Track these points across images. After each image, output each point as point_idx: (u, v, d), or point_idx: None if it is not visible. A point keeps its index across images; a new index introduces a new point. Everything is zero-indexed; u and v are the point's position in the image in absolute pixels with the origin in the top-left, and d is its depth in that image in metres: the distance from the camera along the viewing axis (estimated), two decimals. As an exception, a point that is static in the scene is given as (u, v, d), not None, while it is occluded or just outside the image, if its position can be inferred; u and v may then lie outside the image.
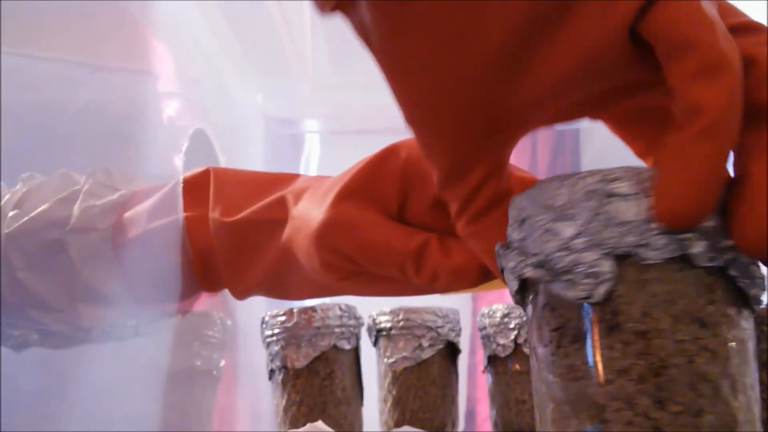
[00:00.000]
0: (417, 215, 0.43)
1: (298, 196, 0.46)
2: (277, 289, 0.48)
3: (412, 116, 0.33)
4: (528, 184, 0.37)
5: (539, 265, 0.30)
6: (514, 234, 0.32)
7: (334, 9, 0.32)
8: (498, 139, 0.33)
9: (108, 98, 0.82)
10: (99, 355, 0.54)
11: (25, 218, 0.49)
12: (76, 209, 0.49)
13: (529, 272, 0.31)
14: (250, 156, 1.47)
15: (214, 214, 0.47)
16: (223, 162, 1.20)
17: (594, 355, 0.29)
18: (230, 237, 0.47)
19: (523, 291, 0.32)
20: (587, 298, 0.29)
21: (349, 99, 1.52)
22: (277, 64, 1.48)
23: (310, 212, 0.44)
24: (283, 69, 1.50)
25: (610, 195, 0.29)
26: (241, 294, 0.49)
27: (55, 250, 0.49)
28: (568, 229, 0.29)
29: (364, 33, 0.32)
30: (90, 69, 0.83)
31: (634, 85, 0.32)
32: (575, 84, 0.30)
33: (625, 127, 0.36)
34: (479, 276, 0.40)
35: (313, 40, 1.49)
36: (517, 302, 0.33)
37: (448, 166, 0.33)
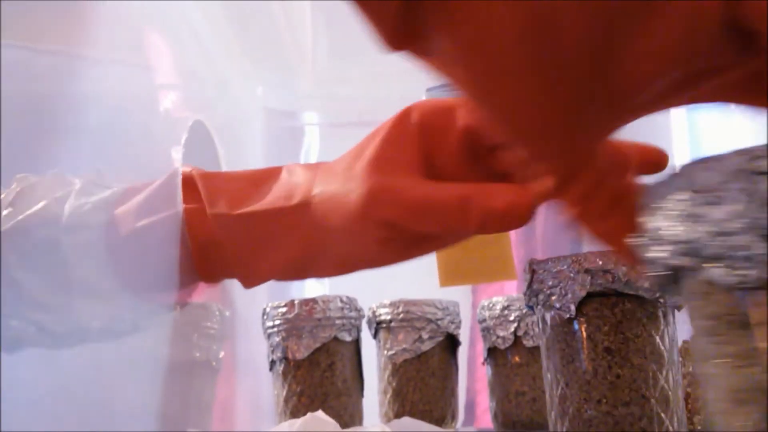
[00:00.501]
0: (445, 168, 0.44)
1: (308, 188, 0.46)
2: (300, 272, 0.49)
3: (517, 129, 0.33)
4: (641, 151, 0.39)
5: (686, 253, 0.29)
6: (652, 223, 0.31)
7: (400, 48, 0.31)
8: (597, 130, 0.33)
9: (107, 91, 0.82)
10: (98, 348, 0.54)
11: (20, 216, 0.49)
12: (68, 207, 0.49)
13: (675, 260, 0.29)
14: (250, 148, 1.47)
15: (216, 209, 0.48)
16: (223, 154, 1.20)
17: (760, 340, 0.28)
18: (241, 229, 0.47)
19: (670, 281, 0.31)
20: (745, 282, 0.28)
21: (349, 91, 1.51)
22: (277, 56, 1.47)
23: (338, 191, 0.45)
24: (283, 61, 1.49)
25: (758, 173, 0.28)
26: (252, 283, 0.49)
27: (49, 249, 0.49)
28: (715, 212, 0.28)
29: (445, 67, 0.32)
30: (88, 61, 0.83)
31: (727, 64, 0.31)
32: (671, 65, 0.30)
33: (737, 93, 0.36)
34: (528, 213, 0.40)
35: (313, 32, 1.48)
36: (664, 293, 0.32)
37: (562, 165, 0.34)
